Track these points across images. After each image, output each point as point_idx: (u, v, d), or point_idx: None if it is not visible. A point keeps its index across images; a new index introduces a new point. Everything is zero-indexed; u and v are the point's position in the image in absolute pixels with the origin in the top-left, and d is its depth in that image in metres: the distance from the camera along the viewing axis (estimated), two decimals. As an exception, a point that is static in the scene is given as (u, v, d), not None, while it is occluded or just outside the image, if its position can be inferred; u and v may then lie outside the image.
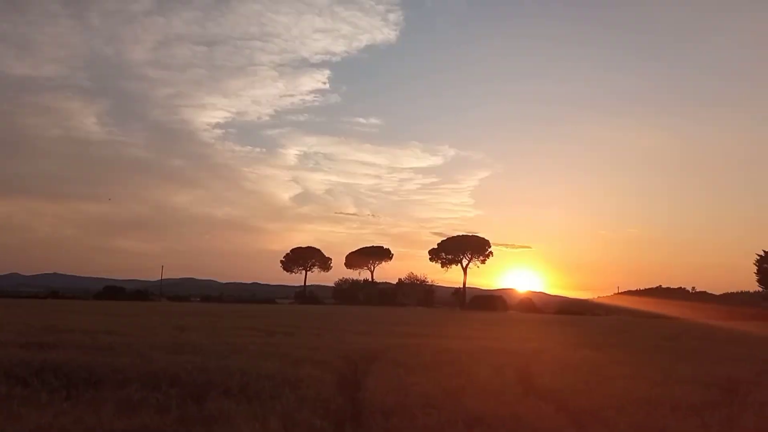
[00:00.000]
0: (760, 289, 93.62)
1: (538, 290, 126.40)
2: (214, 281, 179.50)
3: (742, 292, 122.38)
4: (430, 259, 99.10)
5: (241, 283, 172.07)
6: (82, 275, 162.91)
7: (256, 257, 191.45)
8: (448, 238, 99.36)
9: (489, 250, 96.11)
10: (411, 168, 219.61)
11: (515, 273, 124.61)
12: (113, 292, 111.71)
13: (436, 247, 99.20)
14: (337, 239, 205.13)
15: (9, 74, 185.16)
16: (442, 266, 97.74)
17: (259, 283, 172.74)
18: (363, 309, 68.52)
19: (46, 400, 7.21)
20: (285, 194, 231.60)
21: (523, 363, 13.22)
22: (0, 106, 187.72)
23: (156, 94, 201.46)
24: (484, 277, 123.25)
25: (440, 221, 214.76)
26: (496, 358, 13.74)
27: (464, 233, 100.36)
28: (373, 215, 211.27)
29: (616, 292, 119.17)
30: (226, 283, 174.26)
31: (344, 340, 17.99)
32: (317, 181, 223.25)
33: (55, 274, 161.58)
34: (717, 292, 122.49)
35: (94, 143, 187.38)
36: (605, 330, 33.05)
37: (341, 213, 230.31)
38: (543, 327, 35.16)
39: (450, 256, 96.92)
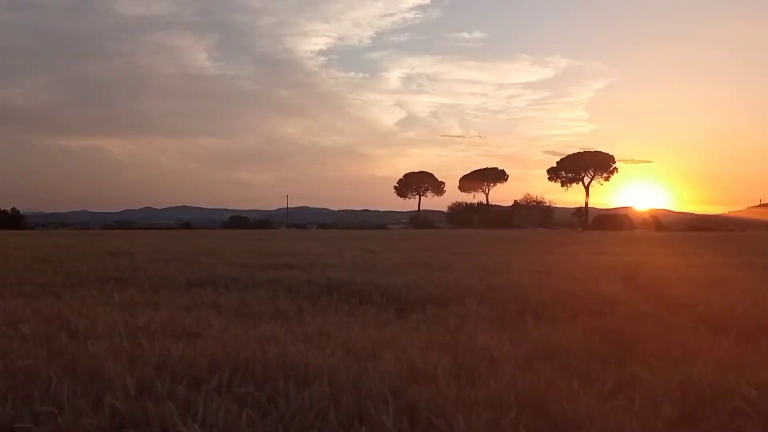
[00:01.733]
0: None
1: (659, 207, 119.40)
2: (327, 209, 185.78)
3: None
4: (549, 179, 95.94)
5: (352, 210, 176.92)
6: (206, 206, 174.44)
7: (365, 184, 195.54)
8: (568, 156, 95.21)
9: (613, 166, 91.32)
10: (519, 83, 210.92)
11: (635, 190, 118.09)
12: (238, 221, 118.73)
13: (555, 165, 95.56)
14: (443, 163, 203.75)
15: (125, 14, 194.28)
16: (562, 185, 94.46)
17: (369, 210, 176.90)
18: (488, 232, 67.88)
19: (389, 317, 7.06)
20: (389, 119, 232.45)
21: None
22: (120, 47, 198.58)
23: (260, 24, 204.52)
24: (600, 195, 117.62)
25: (552, 139, 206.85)
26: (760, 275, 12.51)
27: (578, 150, 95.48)
28: (479, 136, 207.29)
29: (758, 204, 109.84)
30: (338, 210, 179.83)
31: (553, 260, 17.38)
32: (421, 103, 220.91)
33: (183, 206, 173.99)
34: None
35: (206, 78, 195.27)
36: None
37: (447, 135, 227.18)
38: (712, 243, 32.67)
39: (571, 175, 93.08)
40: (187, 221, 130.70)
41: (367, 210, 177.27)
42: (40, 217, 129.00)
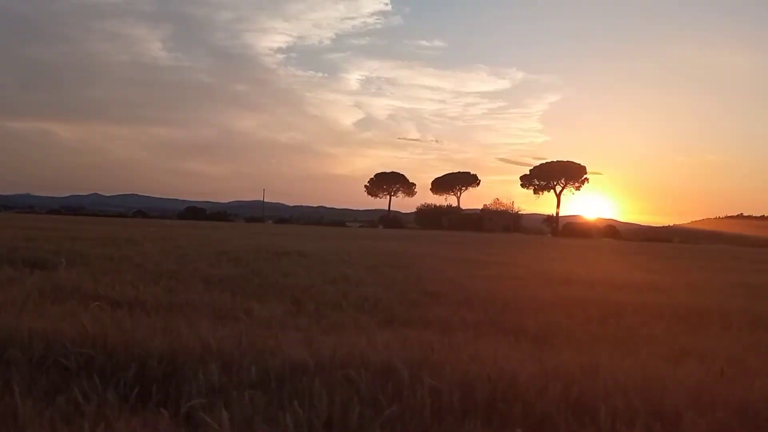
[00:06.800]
0: None
1: (608, 217, 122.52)
2: (282, 204, 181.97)
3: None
4: (522, 185, 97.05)
5: (307, 207, 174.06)
6: (158, 196, 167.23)
7: (321, 181, 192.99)
8: (541, 164, 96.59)
9: (585, 176, 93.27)
10: (476, 92, 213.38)
11: (588, 200, 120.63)
12: (196, 213, 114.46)
13: (528, 173, 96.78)
14: (400, 164, 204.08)
15: (76, 1, 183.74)
16: (535, 193, 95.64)
17: (325, 207, 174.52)
18: (465, 234, 67.48)
19: None
20: (347, 119, 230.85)
21: None
22: (71, 33, 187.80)
23: (218, 18, 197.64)
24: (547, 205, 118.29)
25: (506, 147, 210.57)
26: None
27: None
28: (436, 141, 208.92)
29: (714, 217, 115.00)
30: (294, 206, 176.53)
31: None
32: (380, 106, 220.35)
33: (133, 195, 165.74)
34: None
35: (160, 68, 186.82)
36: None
37: (404, 138, 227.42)
38: (724, 256, 33.09)
39: (543, 183, 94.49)
40: (140, 209, 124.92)
41: (323, 207, 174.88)
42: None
